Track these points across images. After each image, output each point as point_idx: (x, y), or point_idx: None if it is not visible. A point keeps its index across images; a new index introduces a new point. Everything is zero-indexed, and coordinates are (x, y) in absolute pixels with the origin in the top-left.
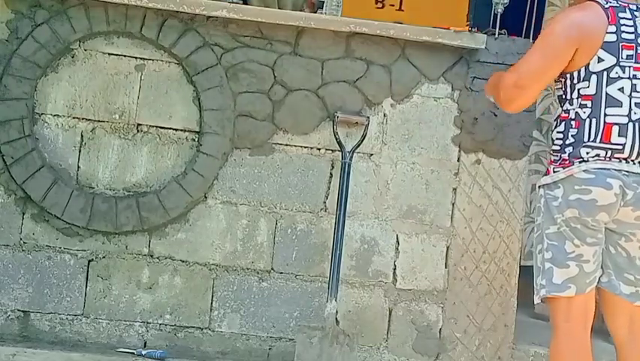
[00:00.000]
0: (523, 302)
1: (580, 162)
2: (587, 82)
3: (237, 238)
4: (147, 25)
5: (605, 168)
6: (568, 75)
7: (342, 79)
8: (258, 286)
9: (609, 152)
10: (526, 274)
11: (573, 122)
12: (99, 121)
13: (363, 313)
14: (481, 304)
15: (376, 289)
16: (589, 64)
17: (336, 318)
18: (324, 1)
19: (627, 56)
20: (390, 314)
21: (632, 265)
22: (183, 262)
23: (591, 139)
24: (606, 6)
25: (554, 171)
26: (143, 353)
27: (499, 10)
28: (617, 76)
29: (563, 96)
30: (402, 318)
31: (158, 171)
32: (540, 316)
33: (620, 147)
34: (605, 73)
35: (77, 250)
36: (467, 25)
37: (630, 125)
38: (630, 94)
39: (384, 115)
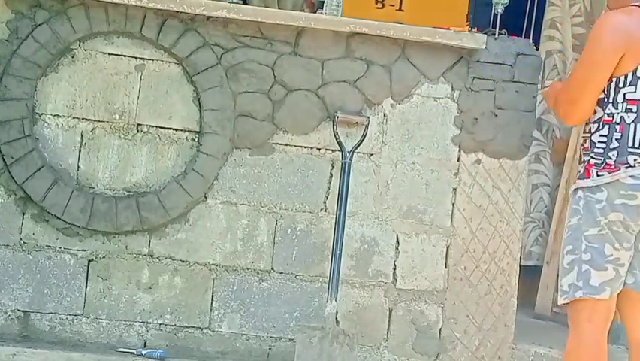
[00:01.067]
0: (523, 302)
1: (627, 168)
2: (634, 87)
3: (237, 238)
4: (147, 25)
5: None
6: (614, 79)
7: (342, 79)
8: (258, 286)
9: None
10: (526, 274)
11: (617, 127)
12: (99, 121)
13: (363, 313)
14: (481, 304)
15: (376, 289)
16: (637, 69)
17: (336, 318)
18: (324, 1)
19: None
20: (390, 314)
21: None
22: (183, 262)
23: (636, 145)
24: None
25: (598, 175)
26: (143, 353)
27: (499, 10)
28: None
29: (606, 99)
30: (402, 318)
31: (158, 171)
32: (540, 316)
33: None
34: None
35: (77, 250)
36: (467, 25)
37: None
38: None
39: (384, 115)
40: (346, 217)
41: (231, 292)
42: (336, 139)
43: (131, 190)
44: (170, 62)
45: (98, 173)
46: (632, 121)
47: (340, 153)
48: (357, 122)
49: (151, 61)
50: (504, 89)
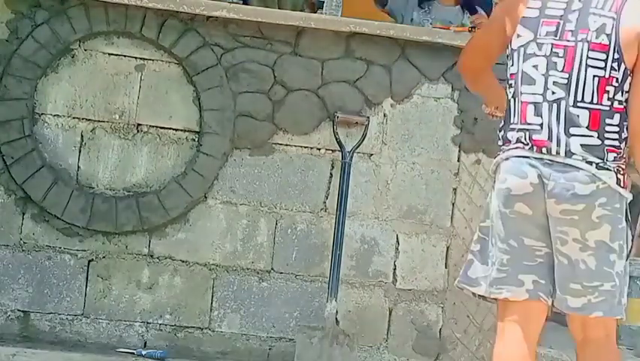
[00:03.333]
0: None
1: (506, 150)
2: (511, 60)
3: (237, 238)
4: (147, 25)
5: (524, 156)
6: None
7: (342, 79)
8: (258, 286)
9: (527, 134)
10: None
11: (507, 105)
12: (99, 121)
13: (363, 314)
14: (481, 304)
15: (376, 289)
16: (511, 41)
17: (336, 318)
18: (324, 1)
19: (547, 32)
20: (390, 314)
21: (575, 272)
22: (183, 262)
23: (514, 120)
24: None
25: (494, 161)
26: (143, 353)
27: None
28: (532, 52)
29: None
30: (402, 318)
31: (158, 171)
32: None
33: (538, 128)
34: (522, 49)
35: (77, 250)
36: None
37: (546, 105)
38: (546, 72)
39: (384, 115)
40: (346, 217)
41: (231, 292)
42: (336, 139)
43: (131, 190)
44: (170, 62)
45: (98, 173)
46: (512, 96)
47: (340, 153)
48: (357, 122)
49: (151, 61)
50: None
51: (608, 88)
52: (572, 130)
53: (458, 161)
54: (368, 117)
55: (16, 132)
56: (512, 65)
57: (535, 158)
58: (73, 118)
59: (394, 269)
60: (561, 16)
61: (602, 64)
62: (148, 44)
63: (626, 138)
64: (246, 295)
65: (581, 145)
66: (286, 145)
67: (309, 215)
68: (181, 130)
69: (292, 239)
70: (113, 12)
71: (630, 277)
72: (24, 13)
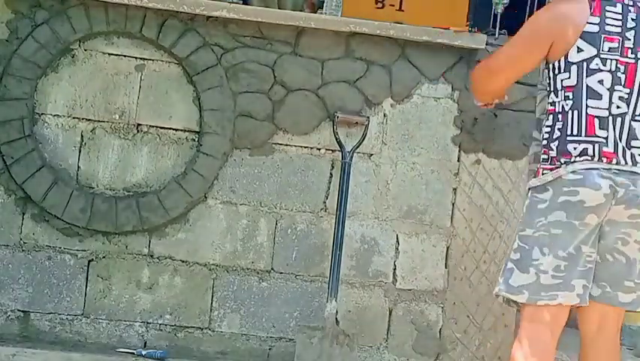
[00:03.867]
0: None
1: (567, 163)
2: (568, 73)
3: (237, 238)
4: (147, 25)
5: (593, 168)
6: (550, 66)
7: (342, 79)
8: (258, 286)
9: (596, 147)
10: None
11: (560, 115)
12: (99, 121)
13: (363, 314)
14: (481, 304)
15: (376, 289)
16: (568, 54)
17: (336, 318)
18: (324, 1)
19: (609, 48)
20: (390, 314)
21: (631, 270)
22: (183, 262)
23: (574, 132)
24: None
25: (543, 173)
26: (143, 353)
27: (499, 10)
28: (597, 67)
29: (549, 88)
30: (402, 318)
31: (158, 171)
32: None
33: (604, 141)
34: (585, 64)
35: (77, 250)
36: (467, 26)
37: (610, 119)
38: (612, 87)
39: (384, 115)
40: (346, 217)
41: (231, 292)
42: (336, 139)
43: (131, 190)
44: (170, 62)
45: (98, 173)
46: (570, 108)
47: (340, 153)
48: (357, 122)
49: (151, 61)
50: None
51: None
52: (633, 142)
53: (458, 161)
54: (368, 117)
55: (16, 132)
56: (569, 77)
57: (605, 169)
58: (73, 118)
59: (394, 269)
60: (619, 32)
61: None
62: (148, 44)
63: None
64: (246, 295)
65: None
66: (286, 145)
67: (309, 215)
68: (181, 130)
69: (292, 239)
70: (113, 12)
71: None
72: (24, 13)
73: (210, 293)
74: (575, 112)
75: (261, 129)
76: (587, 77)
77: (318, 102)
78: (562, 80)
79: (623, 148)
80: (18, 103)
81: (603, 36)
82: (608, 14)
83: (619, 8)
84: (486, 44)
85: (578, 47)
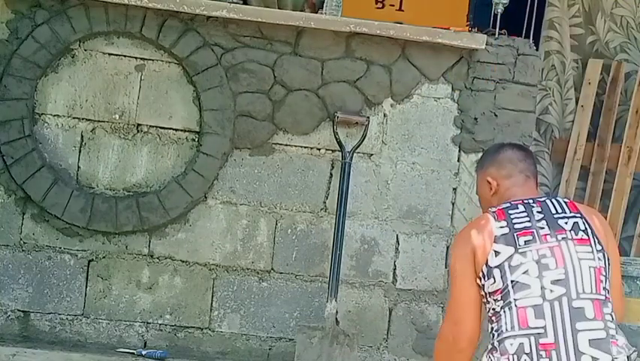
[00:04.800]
0: None
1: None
2: (492, 278)
3: (237, 238)
4: (147, 26)
5: None
6: (477, 279)
7: (342, 79)
8: (258, 286)
9: (532, 339)
10: None
11: (495, 318)
12: (99, 121)
13: (363, 314)
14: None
15: (376, 289)
16: (487, 260)
17: (336, 318)
18: (324, 1)
19: (525, 241)
20: (390, 314)
21: None
22: (183, 262)
23: (508, 329)
24: (493, 210)
25: None
26: (143, 353)
27: (499, 10)
28: (518, 263)
29: (484, 300)
30: (402, 318)
31: (158, 171)
32: None
33: (542, 330)
34: (506, 263)
35: (77, 250)
36: (467, 26)
37: (546, 305)
38: (539, 274)
39: (384, 115)
40: (346, 217)
41: (231, 292)
42: (336, 139)
43: (131, 190)
44: (170, 62)
45: (98, 173)
46: (501, 308)
47: (340, 153)
48: (357, 122)
49: (151, 61)
50: (504, 89)
51: (601, 277)
52: (579, 325)
53: (458, 161)
54: (368, 117)
55: (16, 132)
56: (494, 281)
57: None
58: (73, 118)
59: (394, 269)
60: (530, 226)
61: (591, 255)
62: (148, 44)
63: None
64: (246, 295)
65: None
66: (286, 145)
67: (309, 215)
68: (181, 130)
69: (292, 239)
70: (113, 12)
71: (630, 277)
72: (24, 13)
73: (210, 293)
74: (507, 309)
75: (261, 129)
76: (510, 274)
77: (318, 102)
78: (489, 286)
79: (565, 334)
80: (18, 103)
81: (516, 233)
82: (512, 216)
83: (521, 208)
84: (486, 44)
85: (495, 251)
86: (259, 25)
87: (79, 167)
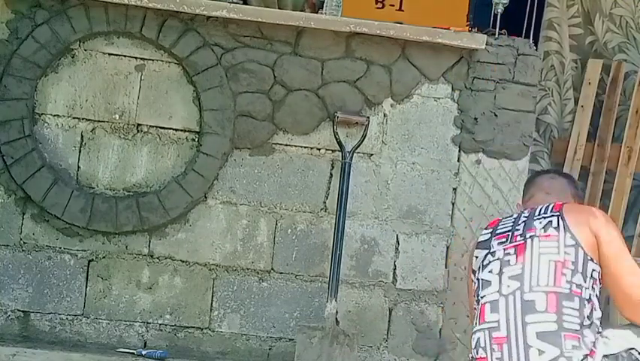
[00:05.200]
0: None
1: (473, 359)
2: (476, 282)
3: (237, 238)
4: (147, 26)
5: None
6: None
7: (342, 79)
8: (258, 286)
9: (486, 333)
10: None
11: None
12: (99, 121)
13: (363, 314)
14: None
15: (376, 289)
16: (472, 266)
17: (336, 318)
18: (324, 1)
19: (498, 243)
20: (390, 314)
21: None
22: (183, 262)
23: (474, 325)
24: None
25: None
26: (143, 353)
27: (499, 10)
28: (487, 262)
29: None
30: (402, 318)
31: (158, 171)
32: None
33: (495, 325)
34: (481, 265)
35: (77, 250)
36: (467, 26)
37: (502, 300)
38: (500, 271)
39: (384, 115)
40: (346, 217)
41: (231, 292)
42: (336, 139)
43: (131, 190)
44: (170, 62)
45: (98, 173)
46: (476, 307)
47: (340, 153)
48: (357, 122)
49: (151, 61)
50: (504, 89)
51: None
52: (528, 318)
53: (458, 161)
54: (368, 117)
55: (16, 132)
56: (476, 285)
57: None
58: (73, 118)
59: (394, 269)
60: (509, 230)
61: (555, 250)
62: (148, 44)
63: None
64: (246, 295)
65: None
66: (286, 145)
67: (309, 215)
68: (181, 130)
69: (292, 239)
70: (113, 12)
71: None
72: (24, 13)
73: (210, 293)
74: (477, 306)
75: (261, 129)
76: (481, 272)
77: (318, 102)
78: (474, 291)
79: (516, 327)
80: (18, 103)
81: (493, 238)
82: (501, 223)
83: (515, 215)
84: (486, 44)
85: (475, 257)
86: (259, 25)
87: (79, 167)
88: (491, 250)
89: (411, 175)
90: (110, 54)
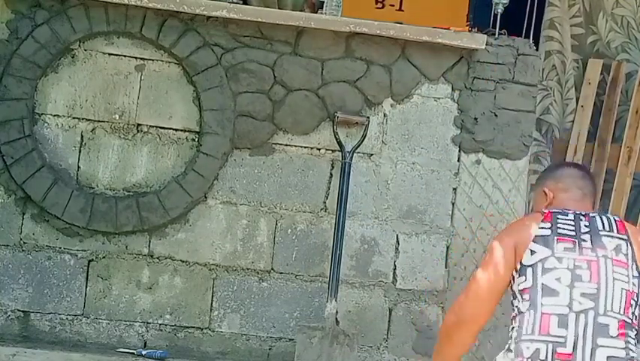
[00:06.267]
0: None
1: None
2: (524, 276)
3: (237, 238)
4: (147, 25)
5: None
6: (512, 273)
7: (342, 79)
8: (258, 286)
9: (549, 347)
10: None
11: (518, 318)
12: (99, 121)
13: (363, 314)
14: None
15: (376, 289)
16: (522, 258)
17: (336, 318)
18: (324, 1)
19: (565, 248)
20: (390, 314)
21: None
22: (183, 262)
23: (528, 332)
24: (544, 210)
25: None
26: (143, 353)
27: (499, 10)
28: (552, 266)
29: (512, 295)
30: (402, 318)
31: (158, 171)
32: None
33: (562, 340)
34: (540, 264)
35: (77, 250)
36: (467, 25)
37: (572, 316)
38: (571, 284)
39: (384, 115)
40: (346, 217)
41: (231, 292)
42: (336, 139)
43: (131, 190)
44: (170, 62)
45: (98, 173)
46: (527, 309)
47: (340, 153)
48: (357, 122)
49: (151, 61)
50: (504, 89)
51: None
52: (601, 341)
53: (458, 161)
54: (368, 117)
55: (16, 132)
56: (525, 280)
57: None
58: (73, 118)
59: (394, 269)
60: (574, 235)
61: (626, 278)
62: (148, 44)
63: None
64: (246, 295)
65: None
66: (286, 145)
67: (309, 215)
68: (181, 130)
69: (292, 239)
70: (113, 12)
71: None
72: (24, 13)
73: (210, 293)
74: (532, 311)
75: (261, 129)
76: (541, 275)
77: (318, 102)
78: (519, 284)
79: (585, 347)
80: (18, 103)
81: (556, 238)
82: (559, 221)
83: (571, 216)
84: (486, 44)
85: (531, 250)
86: (259, 25)
87: (79, 167)
88: (555, 254)
89: (411, 175)
90: (110, 54)
